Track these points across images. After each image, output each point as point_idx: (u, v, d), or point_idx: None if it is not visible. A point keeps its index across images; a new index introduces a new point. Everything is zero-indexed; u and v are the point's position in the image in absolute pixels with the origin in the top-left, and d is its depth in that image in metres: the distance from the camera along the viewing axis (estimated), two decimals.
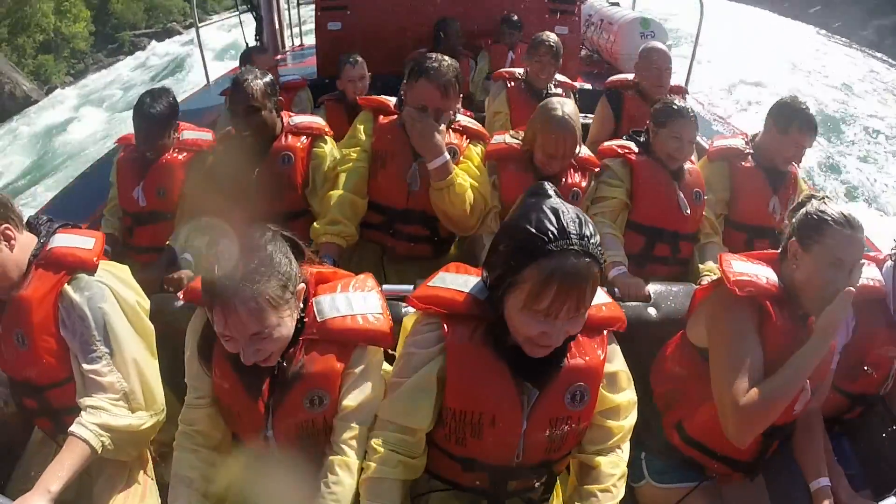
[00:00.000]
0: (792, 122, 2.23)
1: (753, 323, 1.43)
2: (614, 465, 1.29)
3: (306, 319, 1.28)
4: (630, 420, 1.33)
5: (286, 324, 1.20)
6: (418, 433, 1.24)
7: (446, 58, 1.96)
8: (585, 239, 1.07)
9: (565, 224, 1.07)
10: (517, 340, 1.17)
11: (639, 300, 1.86)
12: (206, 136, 2.45)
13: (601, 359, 1.26)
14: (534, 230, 1.07)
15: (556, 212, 1.09)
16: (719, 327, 1.47)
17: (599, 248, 1.10)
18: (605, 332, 1.29)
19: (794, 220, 1.48)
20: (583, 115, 3.40)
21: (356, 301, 1.31)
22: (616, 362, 1.31)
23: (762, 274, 1.46)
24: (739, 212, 2.36)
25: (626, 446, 1.34)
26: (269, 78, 2.15)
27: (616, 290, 1.90)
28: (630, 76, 3.15)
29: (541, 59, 3.08)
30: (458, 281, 1.26)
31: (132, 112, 2.30)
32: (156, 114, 2.25)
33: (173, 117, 2.34)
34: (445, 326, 1.22)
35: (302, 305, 1.28)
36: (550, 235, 1.06)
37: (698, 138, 3.30)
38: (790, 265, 1.45)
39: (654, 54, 2.97)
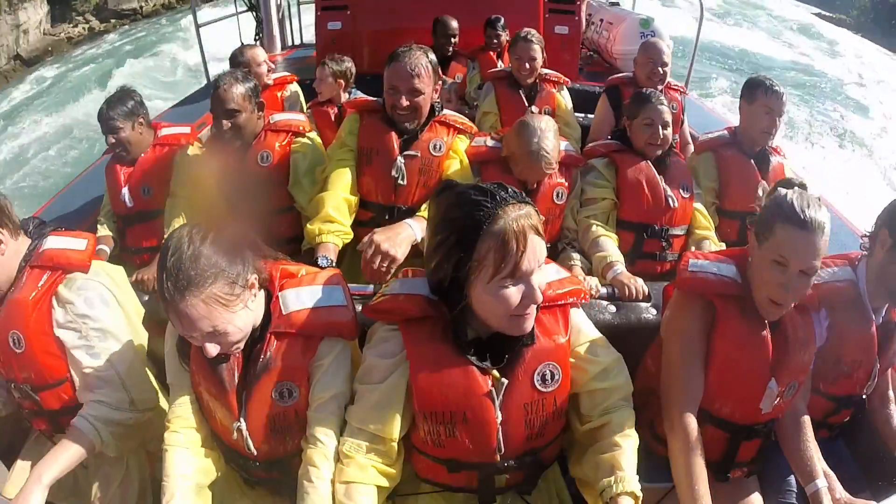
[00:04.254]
0: (756, 90, 2.29)
1: (702, 322, 1.44)
2: (625, 418, 1.28)
3: (273, 313, 1.29)
4: (623, 376, 1.32)
5: (241, 316, 1.21)
6: (388, 442, 1.23)
7: (422, 46, 2.01)
8: (511, 193, 1.12)
9: (489, 190, 1.12)
10: (495, 326, 1.17)
11: (638, 299, 1.85)
12: (184, 129, 2.47)
13: (567, 334, 1.26)
14: (468, 208, 1.10)
15: (473, 188, 1.13)
16: (671, 325, 1.50)
17: (525, 197, 1.14)
18: (567, 305, 1.28)
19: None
20: (582, 114, 3.43)
21: (321, 294, 1.32)
22: (589, 328, 1.31)
23: (718, 272, 1.45)
24: (729, 200, 2.39)
25: (631, 406, 1.32)
26: (250, 82, 2.16)
27: (615, 289, 1.89)
28: (630, 74, 3.17)
29: (520, 57, 3.08)
30: (409, 285, 1.26)
31: None
32: (112, 112, 2.27)
33: (133, 112, 2.32)
34: (404, 332, 1.22)
35: (267, 298, 1.30)
36: (485, 203, 1.09)
37: (698, 135, 3.31)
38: (750, 260, 1.42)
39: (649, 49, 3.03)
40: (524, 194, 1.15)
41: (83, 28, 13.11)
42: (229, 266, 1.17)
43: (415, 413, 1.24)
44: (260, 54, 3.21)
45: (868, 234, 1.64)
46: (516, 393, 1.22)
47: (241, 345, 1.26)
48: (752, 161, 2.38)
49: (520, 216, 1.09)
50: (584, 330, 1.30)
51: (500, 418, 1.22)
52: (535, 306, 1.16)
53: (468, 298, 1.15)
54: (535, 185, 2.11)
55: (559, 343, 1.25)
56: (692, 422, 1.38)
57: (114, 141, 2.30)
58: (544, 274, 1.22)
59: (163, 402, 1.66)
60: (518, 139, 2.02)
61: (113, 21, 13.74)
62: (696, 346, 1.44)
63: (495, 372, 1.22)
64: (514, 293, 1.11)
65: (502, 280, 1.10)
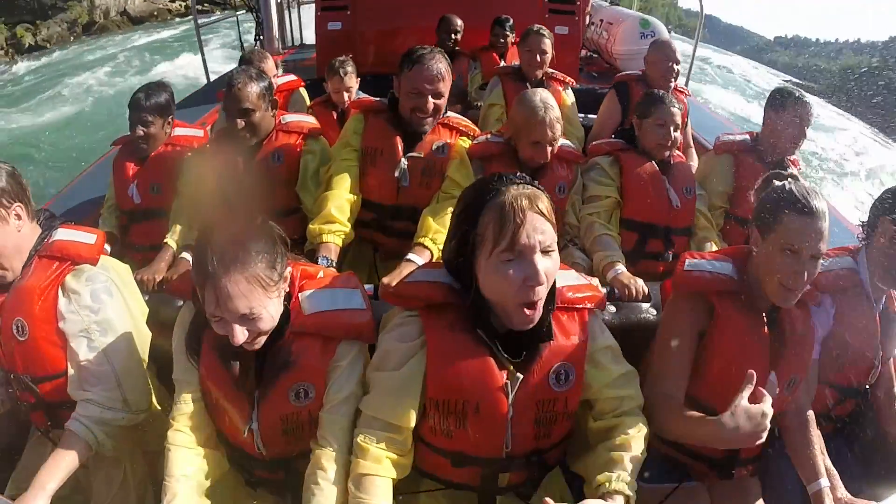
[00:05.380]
0: (787, 99, 2.27)
1: (695, 320, 1.45)
2: (637, 423, 1.28)
3: (292, 313, 1.29)
4: (636, 389, 1.32)
5: (275, 304, 1.22)
6: (404, 431, 1.23)
7: (438, 48, 2.01)
8: (520, 176, 1.17)
9: (502, 174, 1.18)
10: (503, 315, 1.17)
11: (638, 299, 1.85)
12: (197, 132, 2.48)
13: (584, 336, 1.26)
14: (479, 186, 1.19)
15: (492, 175, 1.19)
16: (664, 322, 1.51)
17: (540, 187, 1.18)
18: (584, 310, 1.29)
19: (757, 202, 1.46)
20: (582, 114, 3.43)
21: (340, 297, 1.33)
22: (605, 335, 1.32)
23: (715, 269, 1.46)
24: (742, 206, 2.36)
25: (642, 416, 1.31)
26: (264, 80, 2.16)
27: (615, 289, 1.89)
28: (639, 72, 3.17)
29: (531, 49, 3.09)
30: (432, 274, 1.28)
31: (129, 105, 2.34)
32: (148, 105, 2.29)
33: (167, 109, 2.35)
34: (424, 318, 1.23)
35: (286, 299, 1.30)
36: (492, 181, 1.16)
37: (699, 137, 3.33)
38: (754, 254, 1.43)
39: (663, 47, 3.03)
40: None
41: (180, 4, 15.10)
42: (272, 252, 1.19)
43: (426, 400, 1.24)
44: (270, 67, 3.14)
45: (863, 223, 1.65)
46: (530, 389, 1.22)
47: (264, 339, 1.25)
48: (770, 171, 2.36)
49: (522, 193, 1.12)
50: (600, 336, 1.30)
51: (511, 413, 1.22)
52: (541, 301, 1.15)
53: (477, 279, 1.16)
54: (539, 177, 2.11)
55: (576, 344, 1.25)
56: (678, 403, 1.40)
57: (142, 134, 2.31)
58: (561, 273, 1.23)
59: (163, 403, 1.66)
60: (521, 105, 2.07)
61: (207, 4, 15.22)
62: (686, 342, 1.45)
63: (511, 366, 1.22)
64: (513, 270, 1.10)
65: (501, 253, 1.10)
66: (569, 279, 1.30)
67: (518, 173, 1.18)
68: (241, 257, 1.14)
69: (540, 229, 1.11)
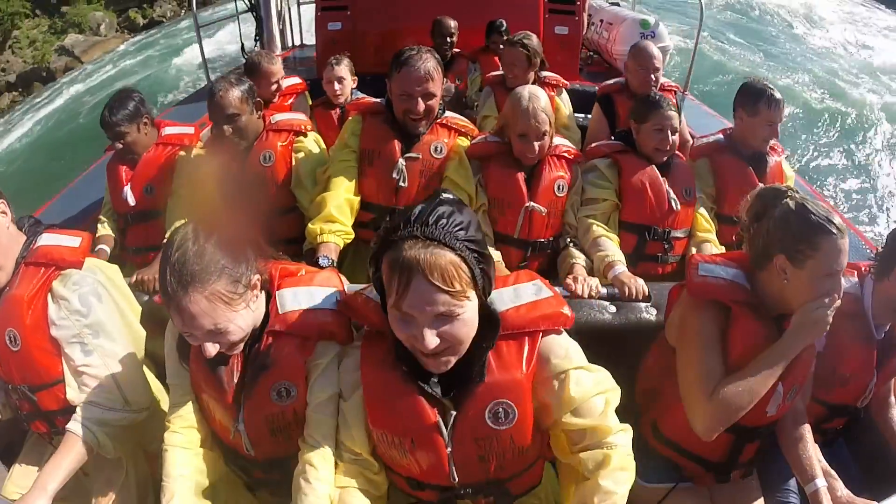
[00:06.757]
0: (759, 102, 2.26)
1: (718, 325, 1.43)
2: (597, 458, 1.13)
3: (271, 312, 1.29)
4: (604, 415, 1.15)
5: (242, 316, 1.20)
6: (363, 455, 1.23)
7: (428, 48, 2.00)
8: (429, 225, 0.99)
9: (412, 214, 1.02)
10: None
11: (638, 299, 1.85)
12: (188, 130, 2.47)
13: (528, 368, 1.14)
14: (384, 228, 1.05)
15: (415, 207, 1.04)
16: (686, 328, 1.48)
17: (458, 234, 1.00)
18: (537, 334, 1.15)
19: (768, 225, 1.40)
20: (581, 115, 3.43)
21: (318, 295, 1.31)
22: (565, 356, 1.15)
23: (728, 277, 1.45)
24: (728, 205, 2.35)
25: (617, 438, 1.15)
26: (244, 83, 2.17)
27: (615, 289, 1.89)
28: (622, 80, 3.15)
29: (511, 64, 3.04)
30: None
31: None
32: (114, 119, 2.25)
33: (136, 115, 2.31)
34: (363, 350, 1.21)
35: (266, 298, 1.29)
36: (396, 226, 1.02)
37: (696, 136, 3.32)
38: (774, 277, 1.40)
39: (639, 56, 2.95)
40: (429, 228, 1.00)
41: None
42: (233, 264, 1.17)
43: (370, 431, 1.22)
44: (277, 69, 3.09)
45: (879, 252, 1.62)
46: (467, 427, 1.15)
47: (241, 346, 1.25)
48: (749, 164, 2.36)
49: (413, 256, 0.98)
50: (557, 360, 1.14)
51: (449, 448, 1.16)
52: (452, 348, 1.05)
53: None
54: (538, 176, 2.12)
55: (516, 379, 1.13)
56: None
57: (121, 146, 2.30)
58: (517, 289, 1.17)
59: (163, 403, 1.66)
60: (510, 102, 2.07)
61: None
62: (716, 345, 1.42)
63: (447, 401, 1.15)
64: (401, 328, 1.05)
65: (392, 309, 1.05)
66: (524, 296, 1.17)
67: (425, 220, 1.00)
68: (199, 276, 1.11)
69: (427, 300, 0.99)
